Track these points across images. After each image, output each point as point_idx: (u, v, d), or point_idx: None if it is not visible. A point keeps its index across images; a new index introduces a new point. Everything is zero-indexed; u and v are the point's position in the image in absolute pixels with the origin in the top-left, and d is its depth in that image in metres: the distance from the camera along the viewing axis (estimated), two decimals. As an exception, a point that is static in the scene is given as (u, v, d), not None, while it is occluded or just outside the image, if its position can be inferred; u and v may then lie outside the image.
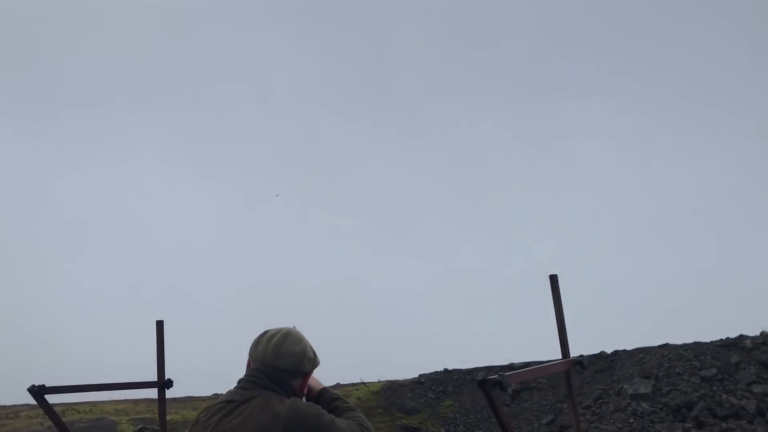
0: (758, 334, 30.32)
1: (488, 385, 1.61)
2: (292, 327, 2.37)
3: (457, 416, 33.78)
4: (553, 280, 2.23)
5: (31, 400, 3.84)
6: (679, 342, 32.79)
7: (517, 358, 35.29)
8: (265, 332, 2.32)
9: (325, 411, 2.22)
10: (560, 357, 2.29)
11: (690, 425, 25.47)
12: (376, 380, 39.20)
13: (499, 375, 1.62)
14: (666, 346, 32.83)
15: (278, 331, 2.32)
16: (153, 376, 3.64)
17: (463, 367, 38.96)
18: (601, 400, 29.36)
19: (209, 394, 44.17)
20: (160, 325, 3.25)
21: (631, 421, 26.53)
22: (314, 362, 2.33)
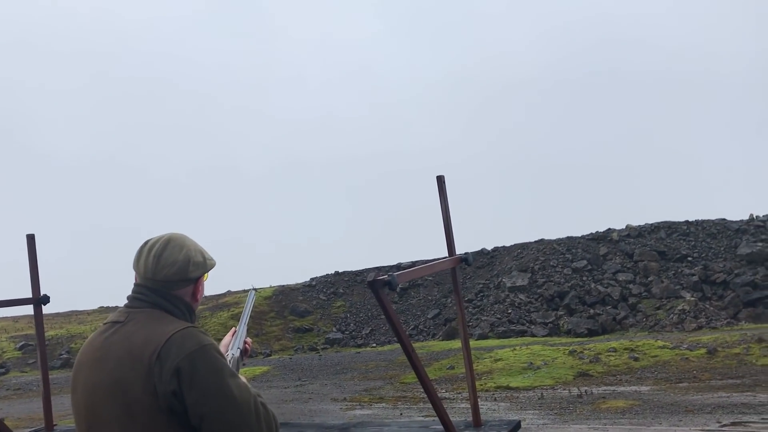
0: (624, 227, 32.83)
1: (378, 286, 1.65)
2: (175, 232, 2.13)
3: (348, 315, 34.91)
4: (440, 180, 2.28)
5: None
6: (554, 237, 35.04)
7: (405, 258, 36.59)
8: (146, 243, 2.09)
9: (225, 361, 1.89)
10: (446, 256, 2.37)
11: (562, 312, 27.67)
12: (268, 285, 39.59)
13: (388, 275, 1.67)
14: (541, 241, 34.96)
15: (159, 239, 2.08)
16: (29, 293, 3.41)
17: (353, 269, 40.05)
18: (482, 294, 31.16)
19: (95, 307, 43.14)
20: (31, 239, 3.03)
21: (510, 311, 28.43)
22: (204, 266, 2.11)
